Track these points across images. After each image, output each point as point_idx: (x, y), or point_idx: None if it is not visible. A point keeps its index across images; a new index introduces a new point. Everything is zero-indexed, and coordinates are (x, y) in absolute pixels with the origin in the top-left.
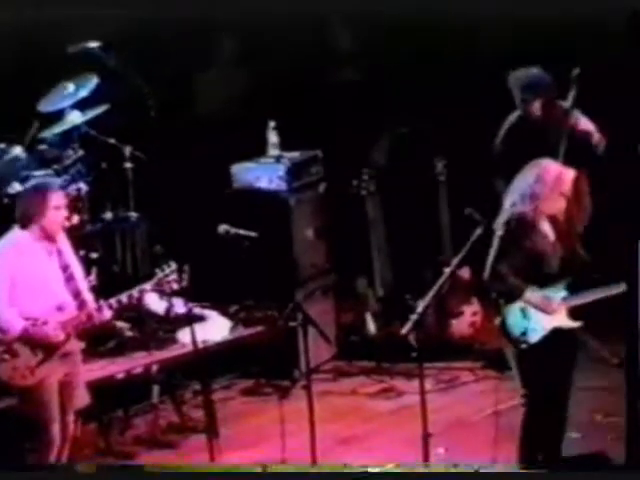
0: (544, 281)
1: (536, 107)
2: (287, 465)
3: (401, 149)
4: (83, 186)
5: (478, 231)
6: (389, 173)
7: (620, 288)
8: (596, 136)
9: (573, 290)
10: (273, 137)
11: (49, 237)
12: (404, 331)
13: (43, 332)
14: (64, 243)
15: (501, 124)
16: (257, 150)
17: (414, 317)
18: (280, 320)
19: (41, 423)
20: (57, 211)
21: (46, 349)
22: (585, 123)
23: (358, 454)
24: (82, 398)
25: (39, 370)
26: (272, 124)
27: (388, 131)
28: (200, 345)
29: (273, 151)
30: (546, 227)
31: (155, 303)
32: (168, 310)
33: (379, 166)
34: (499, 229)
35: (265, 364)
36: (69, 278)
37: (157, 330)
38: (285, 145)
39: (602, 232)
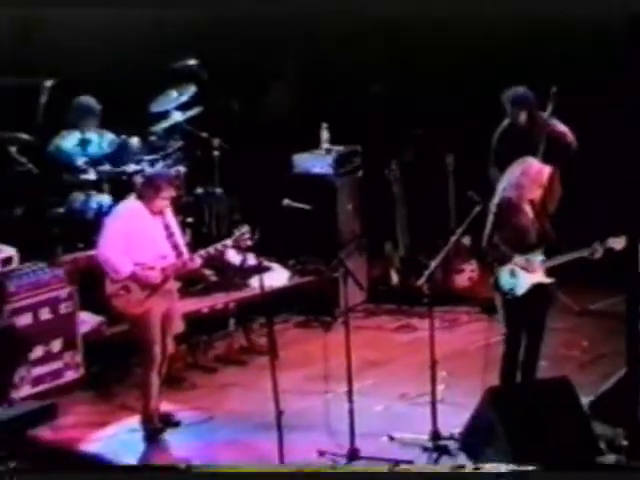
0: (526, 248)
1: (522, 117)
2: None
3: (420, 146)
4: (182, 168)
5: (477, 209)
6: (411, 164)
7: (583, 253)
8: (569, 136)
9: (548, 255)
10: (325, 134)
11: (155, 211)
12: (419, 283)
13: (146, 275)
14: (167, 209)
15: (497, 128)
16: (313, 144)
17: (427, 272)
18: (326, 272)
19: (146, 344)
20: (163, 200)
21: (151, 287)
22: (561, 126)
23: (382, 374)
24: (178, 326)
25: (146, 303)
26: (324, 125)
27: (411, 132)
28: (266, 289)
29: (324, 145)
30: (527, 208)
31: (233, 257)
32: (243, 262)
33: (403, 158)
34: (493, 209)
35: (314, 304)
36: (170, 235)
37: (234, 277)
38: (334, 141)
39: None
